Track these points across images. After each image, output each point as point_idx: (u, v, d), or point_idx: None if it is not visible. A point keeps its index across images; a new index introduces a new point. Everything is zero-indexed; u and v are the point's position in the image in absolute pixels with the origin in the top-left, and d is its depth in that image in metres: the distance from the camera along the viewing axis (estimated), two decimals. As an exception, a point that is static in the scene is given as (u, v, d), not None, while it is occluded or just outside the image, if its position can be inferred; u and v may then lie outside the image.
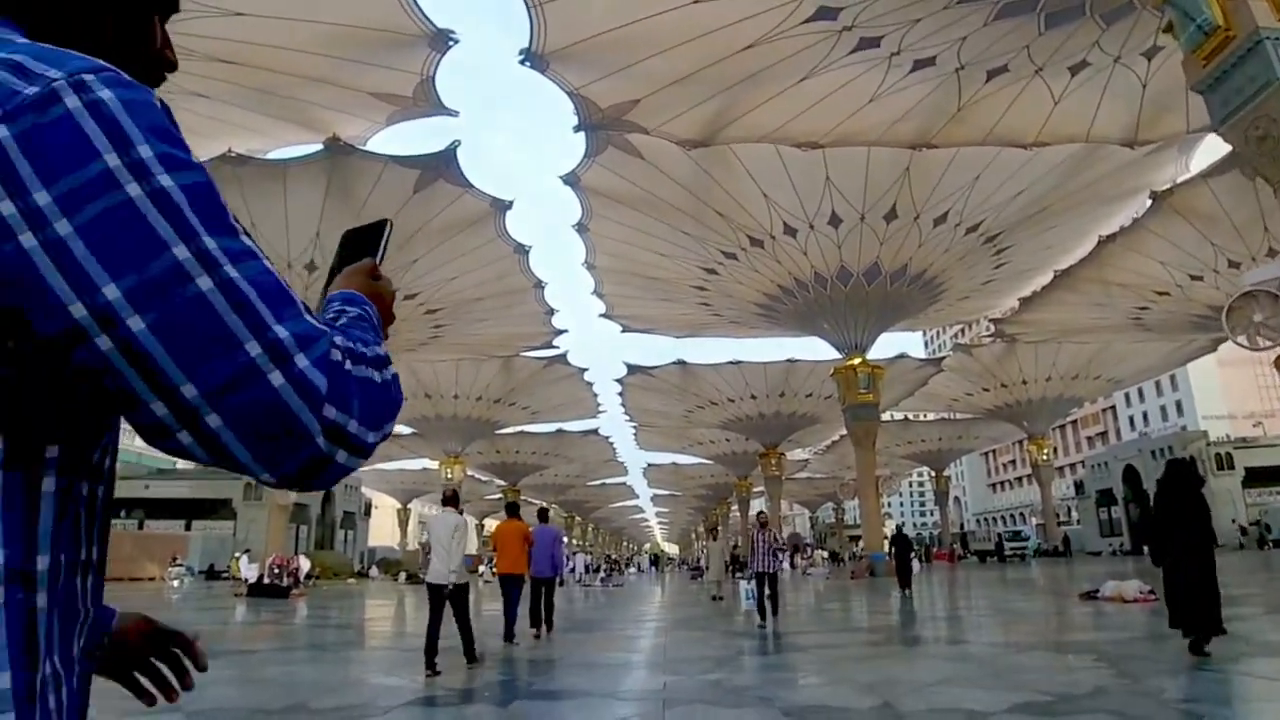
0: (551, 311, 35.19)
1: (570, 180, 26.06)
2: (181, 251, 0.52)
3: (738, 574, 18.07)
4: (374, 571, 48.12)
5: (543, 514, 12.37)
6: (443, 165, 25.77)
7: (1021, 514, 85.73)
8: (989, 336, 42.23)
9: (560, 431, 54.93)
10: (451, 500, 8.57)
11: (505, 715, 5.80)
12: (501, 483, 61.25)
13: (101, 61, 0.55)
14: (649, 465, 74.21)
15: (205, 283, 0.52)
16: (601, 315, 36.63)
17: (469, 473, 51.00)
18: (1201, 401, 67.21)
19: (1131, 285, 31.35)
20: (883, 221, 27.41)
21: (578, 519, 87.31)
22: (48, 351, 0.52)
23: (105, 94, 0.53)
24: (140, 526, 43.42)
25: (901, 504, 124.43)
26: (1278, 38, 10.74)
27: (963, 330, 67.24)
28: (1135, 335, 37.55)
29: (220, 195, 0.56)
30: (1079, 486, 59.56)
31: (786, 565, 36.44)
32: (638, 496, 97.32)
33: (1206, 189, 25.58)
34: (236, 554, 32.61)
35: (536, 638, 10.53)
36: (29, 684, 0.51)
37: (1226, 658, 6.66)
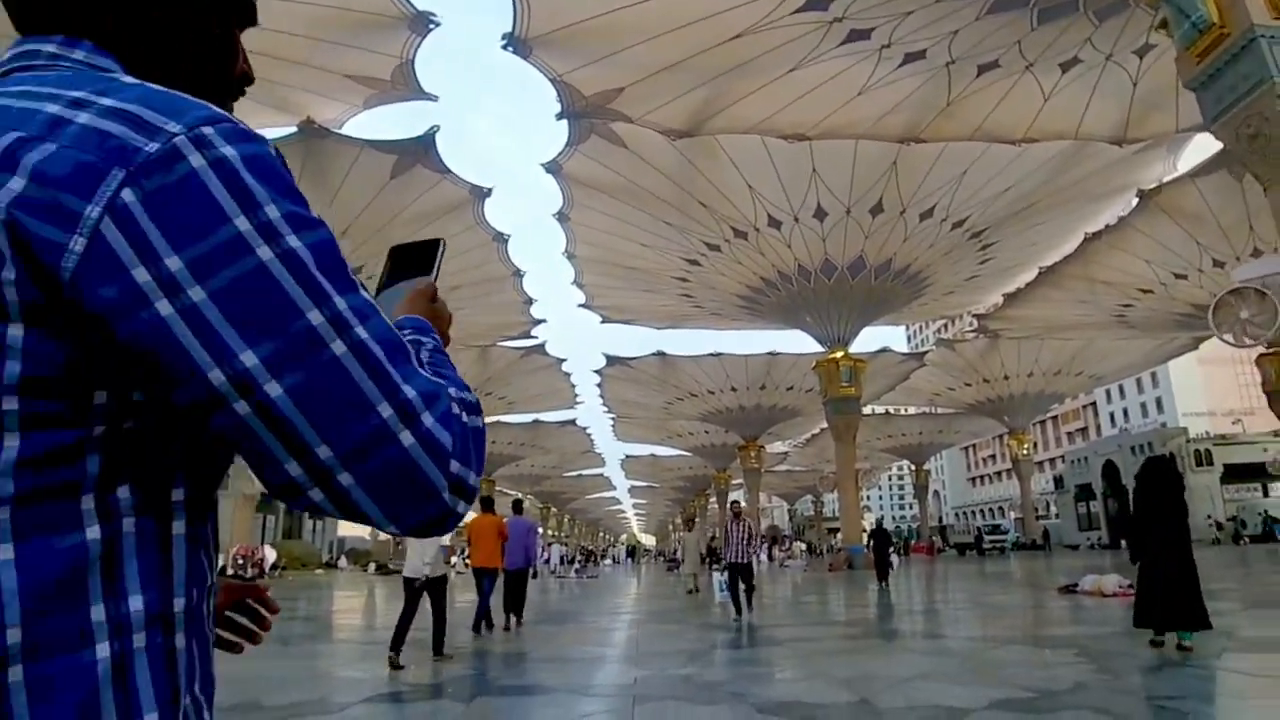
0: (530, 301, 34.91)
1: (552, 168, 25.74)
2: (315, 316, 0.52)
3: (714, 566, 18.01)
4: (343, 562, 47.64)
5: (517, 505, 12.19)
6: (421, 150, 25.36)
7: (1000, 508, 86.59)
8: (972, 332, 42.40)
9: (537, 422, 54.56)
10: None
11: (469, 712, 5.60)
12: (477, 473, 60.67)
13: (218, 109, 0.55)
14: (627, 457, 74.22)
15: (339, 346, 0.53)
16: (581, 305, 36.38)
17: (445, 463, 50.41)
18: (1181, 399, 68.06)
19: (1116, 283, 31.51)
20: (868, 215, 27.32)
21: (554, 510, 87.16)
22: (181, 413, 0.53)
23: (228, 151, 0.52)
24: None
25: (881, 497, 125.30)
26: (1272, 35, 10.66)
27: (946, 325, 67.51)
28: (1118, 332, 37.83)
29: (339, 248, 0.57)
30: (1058, 481, 60.13)
31: (764, 556, 36.57)
32: (615, 488, 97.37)
33: (1194, 188, 25.69)
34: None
35: (507, 629, 10.40)
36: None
37: (1208, 653, 6.58)
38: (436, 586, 8.02)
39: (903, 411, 60.63)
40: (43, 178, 0.49)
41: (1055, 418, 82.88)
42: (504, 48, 19.28)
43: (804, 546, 53.35)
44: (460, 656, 7.99)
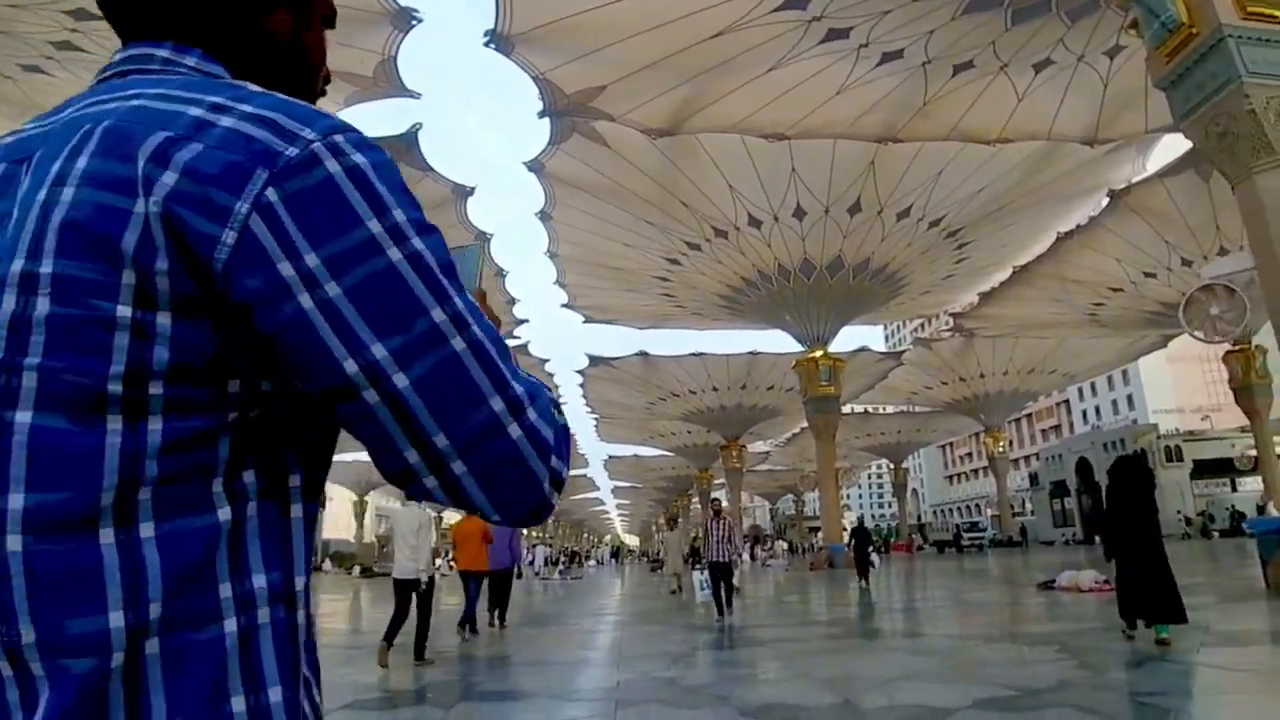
0: (512, 301, 34.72)
1: (534, 167, 25.59)
2: (438, 314, 0.56)
3: (696, 565, 17.98)
4: (327, 565, 47.06)
5: (500, 506, 12.09)
6: (403, 149, 25.12)
7: (978, 505, 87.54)
8: (948, 331, 42.79)
9: (520, 422, 54.13)
10: (416, 496, 8.26)
11: (449, 718, 5.49)
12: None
13: (341, 120, 0.58)
14: (610, 457, 74.02)
15: (458, 343, 0.56)
16: (564, 305, 36.23)
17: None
18: (1151, 396, 69.22)
19: (1087, 282, 31.96)
20: (846, 215, 27.46)
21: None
22: (309, 400, 0.57)
23: (359, 158, 0.56)
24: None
25: (860, 496, 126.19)
26: (1240, 35, 10.83)
27: (923, 325, 68.22)
28: (1090, 331, 38.39)
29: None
30: (1033, 478, 60.91)
31: (747, 556, 36.61)
32: (598, 489, 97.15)
33: (1162, 188, 26.14)
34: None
35: (491, 625, 10.37)
36: (293, 697, 0.56)
37: (1187, 648, 6.63)
38: (424, 590, 7.96)
39: (881, 410, 61.08)
40: (195, 174, 0.52)
41: (1030, 415, 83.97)
42: (486, 44, 19.15)
43: (785, 546, 53.57)
44: (442, 660, 7.87)
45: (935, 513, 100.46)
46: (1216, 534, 40.09)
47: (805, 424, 39.77)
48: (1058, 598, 12.57)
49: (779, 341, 50.54)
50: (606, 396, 48.37)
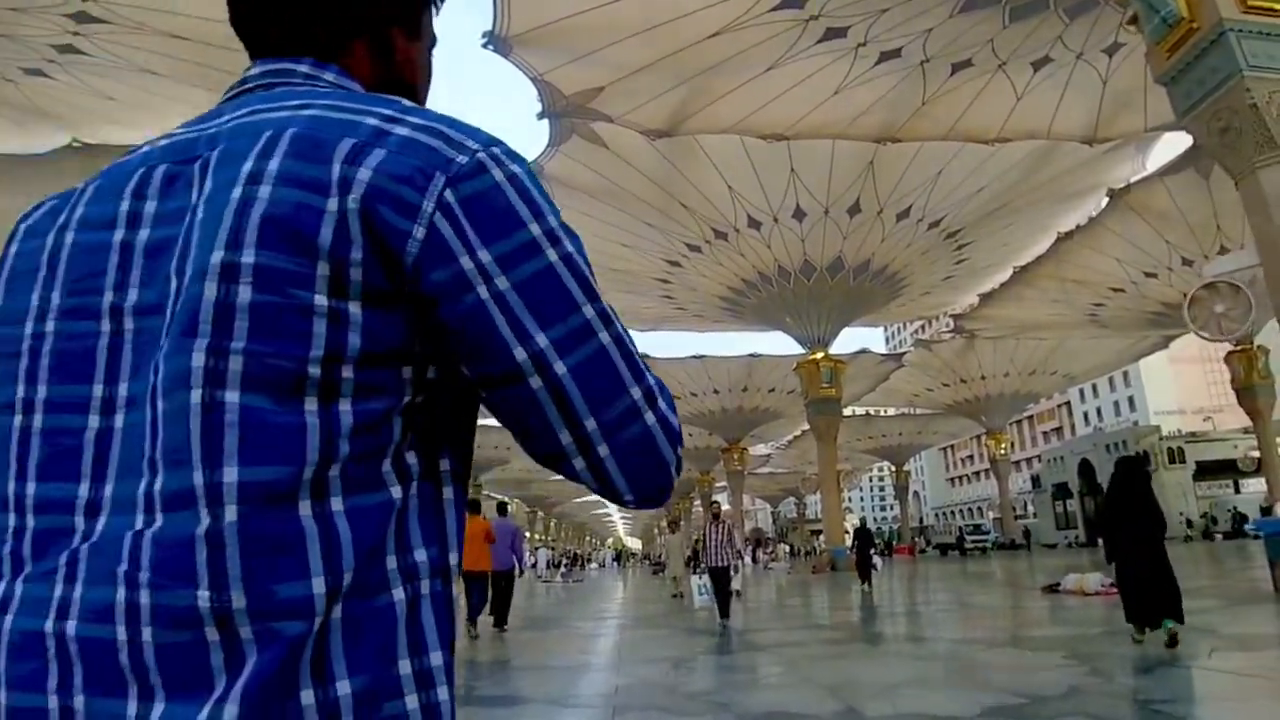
0: (513, 304, 34.59)
1: (533, 169, 25.46)
2: (589, 310, 0.61)
3: (696, 570, 17.85)
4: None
5: (501, 508, 12.13)
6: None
7: (979, 508, 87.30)
8: (949, 332, 42.62)
9: (522, 426, 53.93)
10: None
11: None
12: (462, 478, 60.13)
13: (493, 134, 0.64)
14: (612, 461, 73.64)
15: (605, 337, 0.62)
16: (565, 309, 36.07)
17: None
18: (1153, 397, 69.01)
19: (1088, 282, 31.82)
20: (846, 215, 27.34)
21: (540, 514, 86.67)
22: (460, 388, 0.63)
23: (516, 168, 0.61)
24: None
25: (862, 498, 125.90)
26: (1241, 29, 10.72)
27: (923, 326, 68.03)
28: (1090, 332, 38.22)
29: None
30: (1035, 480, 60.70)
31: (748, 559, 36.43)
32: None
33: (1162, 187, 26.00)
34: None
35: (494, 626, 10.35)
36: (450, 661, 0.61)
37: (1198, 653, 6.49)
38: None
39: (882, 413, 60.91)
40: (388, 175, 0.56)
41: (1031, 417, 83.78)
42: (484, 46, 19.09)
43: (787, 549, 53.39)
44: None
45: (937, 515, 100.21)
46: (1220, 536, 39.89)
47: (806, 426, 39.61)
48: (1063, 601, 12.42)
49: (780, 344, 50.36)
50: (607, 399, 48.17)
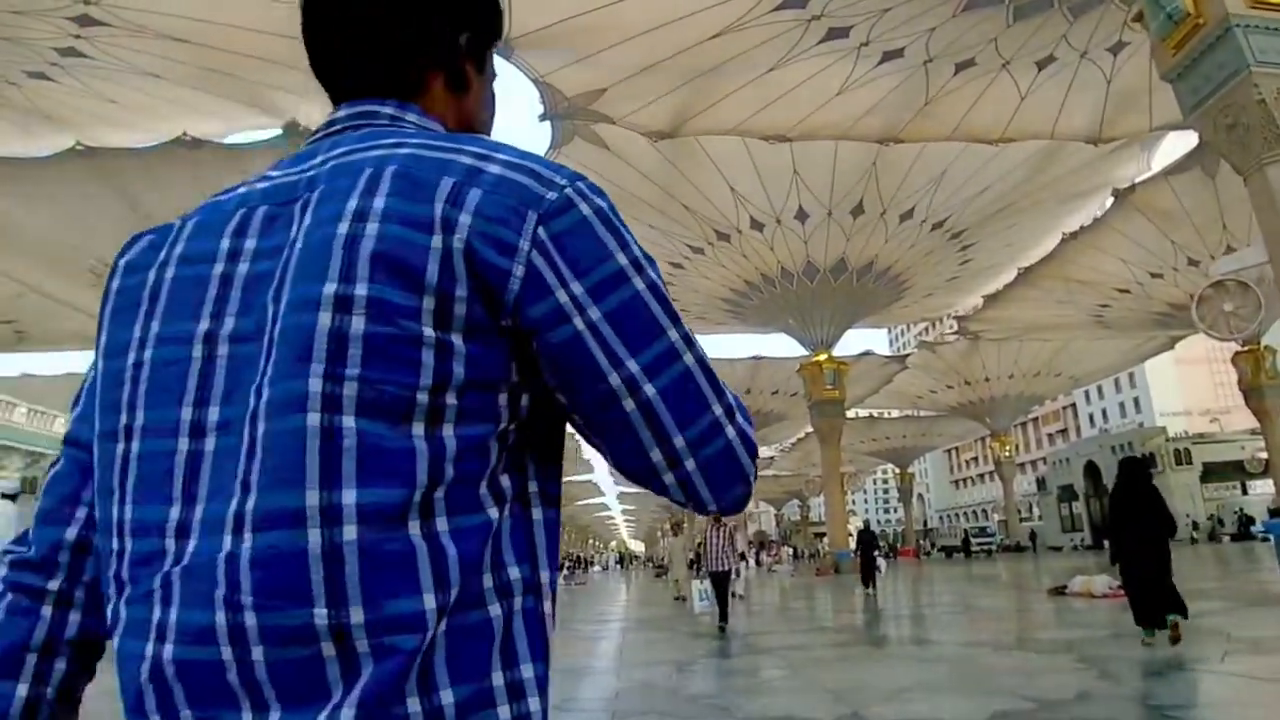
0: (516, 306, 34.54)
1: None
2: (673, 334, 0.64)
3: (698, 572, 17.71)
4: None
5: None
6: (402, 153, 25.06)
7: (984, 510, 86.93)
8: (953, 334, 42.42)
9: (524, 430, 53.89)
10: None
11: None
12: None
13: (575, 170, 0.67)
14: (615, 463, 73.57)
15: (689, 358, 0.65)
16: (567, 312, 36.00)
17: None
18: (1159, 398, 68.66)
19: (1093, 283, 31.62)
20: (849, 217, 27.21)
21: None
22: (558, 413, 0.67)
23: (600, 202, 0.64)
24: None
25: (866, 501, 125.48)
26: (1248, 24, 10.60)
27: (927, 328, 67.84)
28: (1095, 333, 38.00)
29: None
30: (1040, 483, 60.39)
31: (752, 563, 36.24)
32: (604, 494, 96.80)
33: (1167, 187, 25.81)
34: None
35: None
36: (545, 674, 0.63)
37: (1210, 656, 6.36)
38: None
39: (886, 415, 60.68)
40: (485, 216, 0.59)
41: (1036, 419, 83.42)
42: (487, 47, 19.04)
43: (790, 551, 53.18)
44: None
45: (941, 518, 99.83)
46: (1227, 538, 39.60)
47: (810, 429, 39.44)
48: (1070, 604, 12.28)
49: (783, 346, 50.31)
50: (610, 402, 48.06)
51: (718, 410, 0.66)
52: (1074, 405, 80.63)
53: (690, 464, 0.65)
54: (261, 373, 0.58)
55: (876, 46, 19.22)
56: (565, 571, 38.99)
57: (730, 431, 0.66)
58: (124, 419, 0.62)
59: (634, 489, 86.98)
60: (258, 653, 0.53)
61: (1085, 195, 27.69)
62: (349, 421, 0.55)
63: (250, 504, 0.55)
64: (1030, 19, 18.35)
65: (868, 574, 17.68)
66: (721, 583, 11.30)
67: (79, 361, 44.79)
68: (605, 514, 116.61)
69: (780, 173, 25.02)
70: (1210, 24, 10.89)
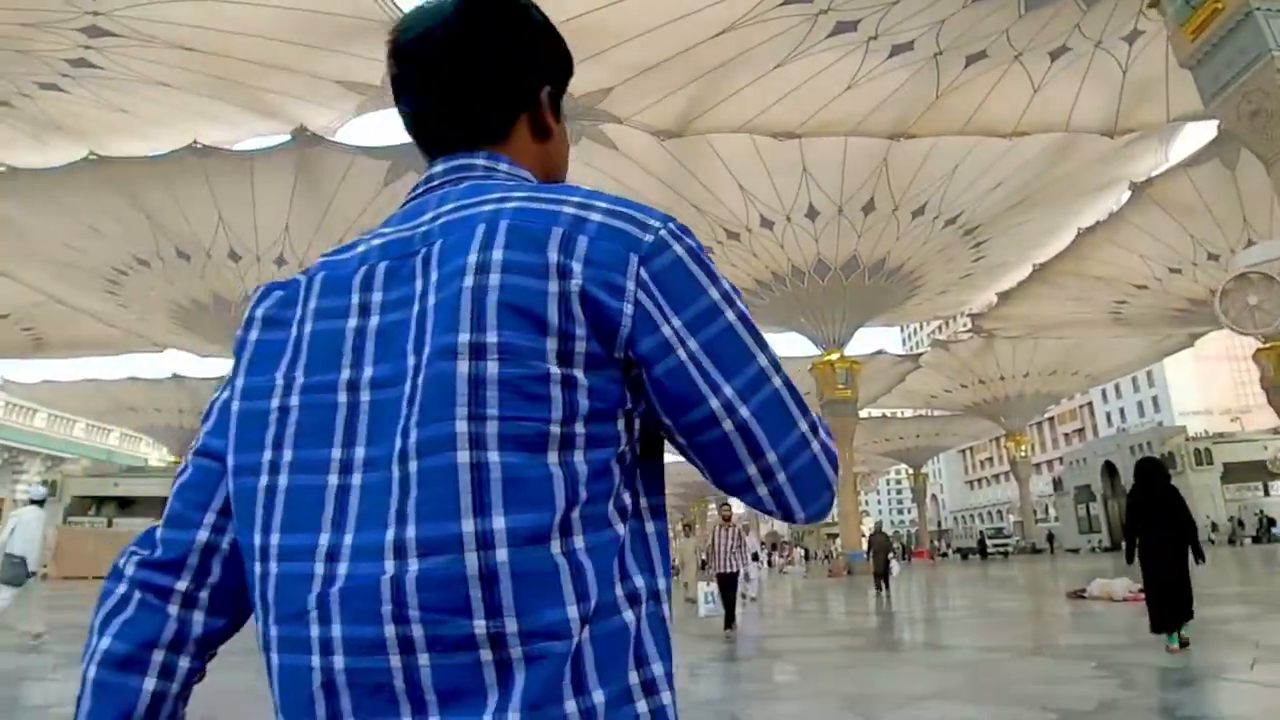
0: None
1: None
2: (762, 360, 0.70)
3: (704, 576, 17.46)
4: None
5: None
6: (414, 156, 24.89)
7: (999, 511, 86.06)
8: (967, 332, 41.94)
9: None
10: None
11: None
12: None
13: (662, 212, 0.72)
14: (627, 465, 73.47)
15: (776, 381, 0.70)
16: (577, 313, 35.90)
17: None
18: (1178, 397, 67.69)
19: (1110, 279, 31.13)
20: (860, 214, 26.94)
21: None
22: (671, 432, 0.71)
23: (690, 242, 0.70)
24: (109, 525, 42.08)
25: (879, 502, 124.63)
26: (1269, 8, 10.30)
27: (941, 326, 67.32)
28: (1113, 330, 37.43)
29: None
30: (1057, 483, 59.62)
31: (764, 565, 35.92)
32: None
33: (1186, 179, 25.34)
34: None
35: None
36: (670, 671, 0.68)
37: (1238, 665, 6.07)
38: None
39: (899, 414, 60.15)
40: (595, 262, 0.65)
41: (1052, 419, 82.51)
42: (492, 49, 18.95)
43: (803, 552, 52.80)
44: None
45: (956, 519, 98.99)
46: (1248, 540, 38.85)
47: (822, 429, 39.02)
48: (1090, 607, 11.96)
49: (795, 345, 49.95)
50: (620, 404, 47.94)
51: (803, 427, 0.71)
52: (1091, 404, 79.67)
53: (781, 477, 0.70)
54: (406, 416, 0.63)
55: (885, 40, 18.96)
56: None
57: (815, 446, 0.72)
58: (269, 455, 0.68)
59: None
60: (424, 659, 0.60)
61: (1101, 189, 27.25)
62: (494, 456, 0.61)
63: (410, 533, 0.61)
64: (1042, 9, 18.04)
65: (882, 576, 17.40)
66: (729, 585, 11.06)
67: (96, 368, 45.23)
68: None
69: (790, 170, 24.79)
70: (1230, 8, 10.59)
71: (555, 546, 0.62)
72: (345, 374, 0.68)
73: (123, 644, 0.71)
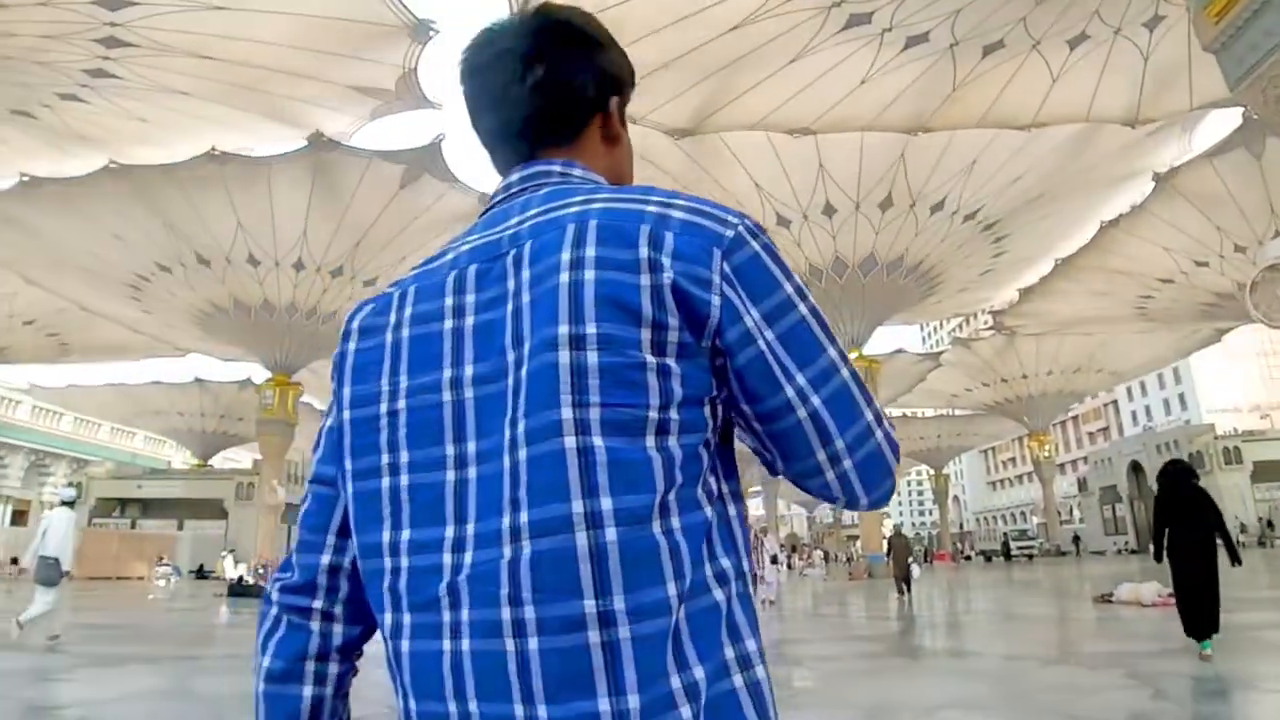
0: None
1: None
2: (831, 352, 0.73)
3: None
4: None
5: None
6: (428, 160, 25.16)
7: (1023, 512, 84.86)
8: (988, 329, 41.35)
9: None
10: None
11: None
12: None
13: (734, 208, 0.76)
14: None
15: (845, 372, 0.73)
16: (592, 314, 35.87)
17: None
18: (1205, 394, 66.25)
19: (1134, 273, 30.49)
20: (878, 210, 26.58)
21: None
22: (747, 419, 0.74)
23: (764, 239, 0.73)
24: (133, 526, 42.62)
25: (900, 503, 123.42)
26: (1299, -12, 9.90)
27: (962, 324, 66.50)
28: (1138, 326, 36.68)
29: None
30: (1082, 484, 58.62)
31: (783, 568, 35.60)
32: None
33: (1211, 169, 24.72)
34: (223, 554, 32.18)
35: None
36: (760, 647, 0.71)
37: (1275, 674, 5.78)
38: None
39: (920, 414, 59.49)
40: (683, 256, 0.69)
41: (1076, 418, 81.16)
42: (506, 51, 18.96)
43: (822, 555, 52.36)
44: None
45: (978, 520, 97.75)
46: (1279, 541, 37.89)
47: (841, 429, 38.64)
48: (1118, 612, 11.62)
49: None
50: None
51: (869, 416, 0.74)
52: (1115, 402, 78.25)
53: (848, 463, 0.73)
54: (513, 407, 0.67)
55: (900, 32, 18.64)
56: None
57: (879, 434, 0.74)
58: (386, 459, 0.73)
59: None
60: (533, 643, 0.63)
61: (1124, 180, 26.66)
62: (598, 441, 0.65)
63: (523, 518, 0.65)
64: (1061, -5, 17.64)
65: (903, 581, 17.06)
66: None
67: (120, 372, 45.88)
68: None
69: (805, 167, 24.50)
70: (1257, -11, 10.20)
71: (656, 526, 0.65)
72: (447, 373, 0.72)
73: (279, 661, 0.79)
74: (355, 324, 0.80)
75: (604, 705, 0.61)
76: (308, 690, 0.79)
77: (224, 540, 38.65)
